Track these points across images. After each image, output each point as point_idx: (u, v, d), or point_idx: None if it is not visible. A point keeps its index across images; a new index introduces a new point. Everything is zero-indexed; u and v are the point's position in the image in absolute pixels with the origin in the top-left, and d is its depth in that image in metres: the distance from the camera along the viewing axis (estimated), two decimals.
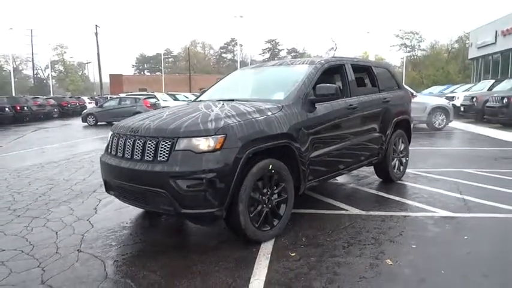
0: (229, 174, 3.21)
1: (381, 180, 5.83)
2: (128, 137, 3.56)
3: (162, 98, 21.58)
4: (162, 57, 61.25)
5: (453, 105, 13.92)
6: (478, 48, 26.23)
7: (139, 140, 3.45)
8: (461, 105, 14.85)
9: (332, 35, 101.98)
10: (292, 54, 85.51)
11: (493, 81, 16.51)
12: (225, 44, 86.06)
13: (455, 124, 14.06)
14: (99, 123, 19.81)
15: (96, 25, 42.76)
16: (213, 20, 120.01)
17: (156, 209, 3.45)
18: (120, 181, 3.58)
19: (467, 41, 39.58)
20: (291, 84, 4.22)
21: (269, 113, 3.64)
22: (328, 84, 4.10)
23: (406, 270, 3.02)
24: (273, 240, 3.60)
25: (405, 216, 4.25)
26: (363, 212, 4.36)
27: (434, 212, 4.34)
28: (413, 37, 67.40)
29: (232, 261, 3.20)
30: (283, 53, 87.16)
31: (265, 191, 3.53)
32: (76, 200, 5.21)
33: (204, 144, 3.18)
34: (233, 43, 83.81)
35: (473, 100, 14.08)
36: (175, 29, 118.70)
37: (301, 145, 3.82)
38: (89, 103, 34.69)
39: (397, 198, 4.89)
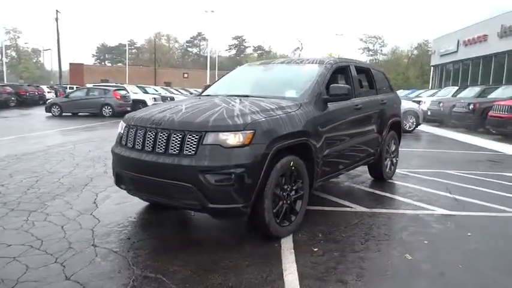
0: (257, 170, 3.23)
1: (372, 178, 6.04)
2: (148, 129, 3.48)
3: (132, 91, 21.00)
4: (127, 48, 59.39)
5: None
6: (441, 56, 27.61)
7: (162, 132, 3.38)
8: (428, 109, 15.57)
9: (298, 35, 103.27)
10: (258, 52, 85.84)
11: (456, 87, 17.45)
12: (191, 38, 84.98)
13: (423, 127, 14.74)
14: (64, 114, 19.01)
15: (56, 10, 40.76)
16: (179, 12, 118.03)
17: (178, 203, 3.41)
18: (139, 174, 3.49)
19: (428, 48, 41.53)
20: (303, 82, 4.29)
21: (290, 110, 3.69)
22: (341, 85, 4.21)
23: (425, 264, 3.17)
24: (291, 235, 3.66)
25: (407, 213, 4.45)
26: (367, 210, 4.52)
27: (432, 210, 4.57)
28: (376, 41, 69.83)
29: (259, 257, 3.22)
30: (249, 50, 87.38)
31: (285, 187, 3.58)
32: (70, 194, 5.01)
33: (233, 139, 3.18)
34: (199, 37, 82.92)
35: (440, 105, 14.81)
36: (138, 20, 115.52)
37: (317, 143, 3.90)
38: (48, 92, 33.08)
39: (395, 197, 5.10)
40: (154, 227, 3.96)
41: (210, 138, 3.20)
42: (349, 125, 4.62)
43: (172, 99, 23.74)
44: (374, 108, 5.27)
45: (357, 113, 4.78)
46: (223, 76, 5.29)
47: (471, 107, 12.57)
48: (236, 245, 3.48)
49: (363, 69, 5.42)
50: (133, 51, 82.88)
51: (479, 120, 12.30)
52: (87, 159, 7.43)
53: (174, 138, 3.31)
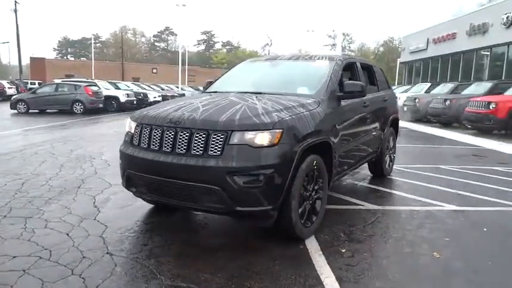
0: (286, 170, 3.11)
1: (371, 175, 6.04)
2: (166, 129, 3.27)
3: (104, 86, 20.23)
4: (93, 42, 57.34)
5: None
6: (410, 52, 28.36)
7: (182, 132, 3.19)
8: (404, 105, 15.93)
9: (268, 31, 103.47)
10: (227, 47, 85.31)
11: (429, 84, 17.95)
12: (158, 32, 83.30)
13: (400, 123, 15.03)
14: (30, 110, 18.08)
15: (15, 1, 38.61)
16: (145, 6, 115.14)
17: (200, 206, 3.23)
18: (156, 177, 3.28)
19: (393, 46, 42.48)
20: (317, 79, 4.19)
21: (311, 108, 3.58)
22: (355, 82, 4.15)
23: (455, 262, 3.16)
24: (313, 236, 3.56)
25: (419, 210, 4.45)
26: (379, 207, 4.49)
27: (441, 205, 4.60)
28: (344, 38, 70.90)
29: (288, 260, 3.11)
30: (218, 46, 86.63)
31: (308, 187, 3.47)
32: (64, 197, 4.70)
33: (261, 138, 3.03)
34: (167, 32, 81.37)
35: (416, 101, 15.17)
36: (102, 13, 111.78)
37: (335, 141, 3.82)
38: (9, 88, 31.41)
39: (400, 193, 5.11)
40: (168, 231, 3.75)
41: (236, 138, 3.03)
42: (359, 122, 4.57)
43: (145, 95, 23.14)
44: (378, 105, 5.26)
45: (365, 110, 4.74)
46: (226, 72, 5.10)
47: (447, 103, 12.94)
48: (261, 248, 3.34)
49: (366, 66, 5.39)
50: (98, 45, 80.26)
51: (455, 115, 12.68)
52: (71, 160, 7.04)
53: (197, 138, 3.12)
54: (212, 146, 3.07)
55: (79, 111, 17.97)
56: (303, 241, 3.44)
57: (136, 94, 21.89)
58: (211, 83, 5.00)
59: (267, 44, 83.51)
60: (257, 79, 4.65)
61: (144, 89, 25.93)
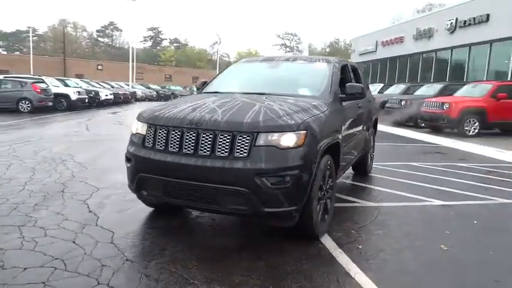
0: (310, 170, 3.17)
1: (353, 173, 6.27)
2: (186, 130, 3.19)
3: (52, 83, 19.04)
4: (31, 35, 53.64)
5: None
6: (360, 54, 29.59)
7: (205, 133, 3.13)
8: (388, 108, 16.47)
9: (216, 29, 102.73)
10: (174, 44, 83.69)
11: (382, 85, 18.87)
12: (102, 27, 79.70)
13: None
14: None
15: None
16: None
17: (223, 208, 3.18)
18: (176, 179, 3.19)
19: (343, 47, 44.02)
20: (319, 81, 4.29)
21: (323, 109, 3.66)
22: (355, 84, 4.30)
23: (462, 253, 3.40)
24: (326, 234, 3.65)
25: (412, 205, 4.71)
26: (376, 204, 4.70)
27: (430, 201, 4.90)
28: (292, 38, 72.45)
29: (314, 259, 3.16)
30: (165, 43, 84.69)
31: (323, 186, 3.56)
32: (52, 203, 4.40)
33: (288, 140, 3.06)
34: (112, 27, 78.15)
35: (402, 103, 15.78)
36: (39, 4, 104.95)
37: (341, 142, 3.95)
38: None
39: (389, 190, 5.35)
40: (180, 234, 3.66)
41: (262, 139, 3.04)
42: (355, 122, 4.74)
43: (97, 93, 22.12)
44: (366, 106, 5.48)
45: (359, 111, 4.93)
46: (220, 73, 5.04)
47: (403, 103, 13.70)
48: (280, 248, 3.36)
49: (353, 68, 5.59)
50: (35, 39, 75.21)
51: (410, 115, 13.45)
52: (40, 162, 6.59)
53: (221, 140, 3.08)
54: (238, 147, 3.05)
55: (26, 110, 16.77)
56: (318, 240, 3.52)
57: (88, 92, 20.85)
58: (205, 83, 4.93)
59: (216, 42, 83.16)
60: (258, 80, 4.66)
61: (94, 86, 24.77)
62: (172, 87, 43.31)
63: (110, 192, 4.91)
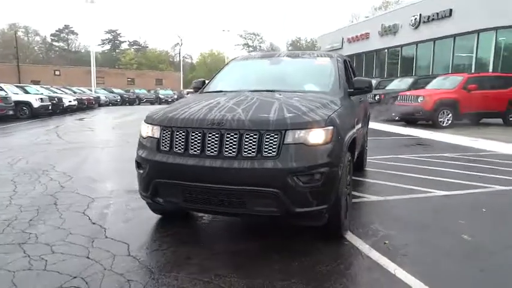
0: (338, 167, 3.09)
1: None
2: (208, 131, 3.02)
3: (12, 91, 17.98)
4: None
5: None
6: (327, 51, 30.06)
7: (229, 133, 2.97)
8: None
9: (177, 31, 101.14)
10: (134, 47, 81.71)
11: None
12: (56, 31, 76.40)
13: None
14: None
15: None
16: (38, 2, 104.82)
17: (251, 211, 3.03)
18: (200, 183, 3.01)
19: (299, 45, 44.44)
20: (327, 76, 4.23)
21: (340, 105, 3.59)
22: (363, 78, 4.26)
23: (485, 241, 3.43)
24: (349, 231, 3.59)
25: (417, 197, 4.75)
26: (382, 198, 4.70)
27: (433, 191, 4.96)
28: (255, 38, 72.60)
29: (347, 257, 3.10)
30: (124, 45, 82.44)
31: (347, 183, 3.49)
32: (48, 217, 4.09)
33: (316, 136, 2.97)
34: (67, 31, 75.13)
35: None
36: None
37: (356, 137, 3.90)
38: None
39: (390, 183, 5.37)
40: (198, 241, 3.49)
41: (291, 137, 2.92)
42: (360, 118, 4.71)
43: (60, 100, 21.14)
44: (364, 101, 5.48)
45: (361, 105, 4.91)
46: (219, 71, 4.86)
47: (377, 97, 13.99)
48: (308, 248, 3.26)
49: (350, 63, 5.57)
50: None
51: (384, 108, 13.75)
52: (19, 174, 6.14)
53: (248, 139, 2.94)
54: (267, 146, 2.92)
55: None
56: (343, 237, 3.46)
57: (51, 98, 19.87)
58: (204, 82, 4.75)
59: (178, 43, 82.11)
60: (263, 77, 4.52)
61: (56, 92, 23.67)
62: (137, 91, 42.14)
63: (107, 202, 4.63)
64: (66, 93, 25.68)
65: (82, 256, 3.14)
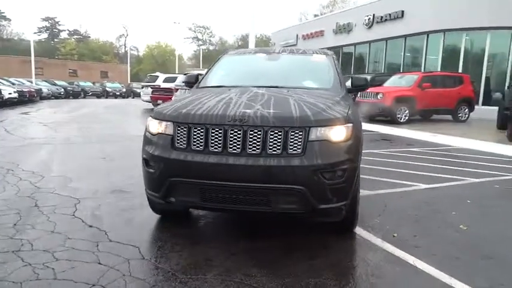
0: (357, 164, 3.15)
1: None
2: (230, 128, 2.94)
3: None
4: None
5: None
6: (282, 47, 30.33)
7: (253, 130, 2.91)
8: None
9: (122, 21, 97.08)
10: (75, 36, 77.32)
11: None
12: None
13: None
14: None
15: None
16: None
17: (274, 209, 2.99)
18: (221, 182, 2.92)
19: (263, 41, 44.38)
20: (325, 73, 4.28)
21: (348, 102, 3.65)
22: (360, 76, 4.36)
23: (482, 231, 3.66)
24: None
25: (405, 191, 4.96)
26: (373, 192, 4.85)
27: (417, 185, 5.21)
28: (205, 31, 71.62)
29: (367, 252, 3.17)
30: (64, 34, 77.70)
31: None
32: (34, 220, 3.76)
33: (339, 133, 2.99)
34: None
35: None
36: None
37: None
38: None
39: (374, 178, 5.54)
40: (214, 240, 3.38)
41: (315, 134, 2.92)
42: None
43: None
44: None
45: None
46: (213, 66, 4.72)
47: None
48: (325, 244, 3.31)
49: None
50: None
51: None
52: None
53: (273, 136, 2.89)
54: (292, 144, 2.89)
55: None
56: (353, 232, 3.53)
57: None
58: (197, 77, 4.60)
59: (123, 34, 79.00)
60: (263, 73, 4.45)
61: None
62: (82, 83, 39.95)
63: (96, 203, 4.36)
64: (3, 84, 23.72)
65: (92, 262, 2.93)
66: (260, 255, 3.07)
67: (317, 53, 4.71)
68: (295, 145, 2.89)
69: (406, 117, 12.63)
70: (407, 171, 5.98)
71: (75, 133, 10.36)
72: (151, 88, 18.60)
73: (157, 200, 3.29)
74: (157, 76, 20.69)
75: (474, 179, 5.60)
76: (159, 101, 16.99)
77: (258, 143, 2.90)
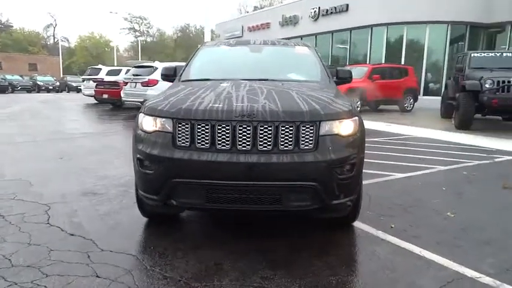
0: (363, 157, 3.13)
1: None
2: (237, 124, 2.76)
3: None
4: None
5: None
6: (226, 39, 29.92)
7: (263, 126, 2.76)
8: None
9: (50, 9, 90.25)
10: None
11: None
12: None
13: None
14: None
15: None
16: None
17: (285, 207, 2.86)
18: (231, 182, 2.74)
19: (189, 33, 43.13)
20: (312, 66, 4.23)
21: (343, 95, 3.62)
22: (345, 68, 4.36)
23: (466, 218, 3.82)
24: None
25: (384, 181, 5.09)
26: None
27: (391, 174, 5.36)
28: (142, 22, 68.91)
29: (374, 245, 3.16)
30: None
31: None
32: (2, 232, 3.36)
33: (348, 127, 2.94)
34: None
35: None
36: None
37: None
38: None
39: None
40: (215, 242, 3.18)
41: (325, 129, 2.85)
42: None
43: None
44: None
45: None
46: (192, 58, 4.43)
47: None
48: (330, 240, 3.27)
49: None
50: None
51: None
52: None
53: (284, 132, 2.77)
54: (303, 139, 2.79)
55: None
56: (353, 226, 3.53)
57: None
58: (175, 70, 4.32)
59: (51, 24, 73.74)
60: (249, 65, 4.27)
61: None
62: (9, 77, 36.62)
63: (69, 208, 3.97)
64: None
65: (89, 275, 2.64)
66: (269, 256, 2.95)
67: (298, 45, 4.63)
68: (307, 140, 2.80)
69: (358, 108, 13.05)
70: (378, 161, 6.14)
71: (16, 131, 9.45)
72: (94, 82, 17.50)
73: (155, 203, 3.03)
74: (100, 69, 19.51)
75: (442, 166, 5.89)
76: (105, 96, 16.09)
77: (269, 139, 2.76)
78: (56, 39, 71.19)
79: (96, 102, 18.74)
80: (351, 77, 4.32)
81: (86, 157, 6.51)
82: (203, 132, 2.81)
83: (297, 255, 2.98)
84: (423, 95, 16.81)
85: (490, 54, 10.74)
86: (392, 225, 3.56)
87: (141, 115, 3.09)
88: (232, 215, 3.71)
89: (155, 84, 12.60)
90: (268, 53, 4.50)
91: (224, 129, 2.78)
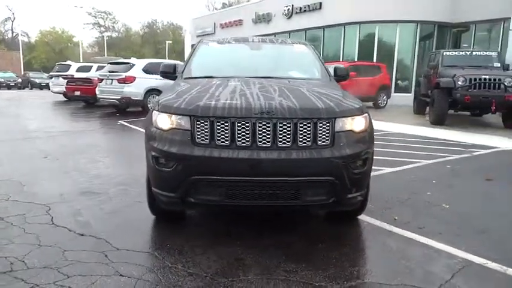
0: (373, 153, 3.25)
1: None
2: (257, 121, 2.81)
3: None
4: None
5: None
6: (197, 36, 29.47)
7: (282, 123, 2.83)
8: None
9: (9, 3, 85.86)
10: None
11: None
12: None
13: None
14: None
15: None
16: None
17: (302, 202, 2.94)
18: (252, 178, 2.79)
19: (157, 29, 42.03)
20: (311, 64, 4.34)
21: (349, 93, 3.73)
22: (341, 66, 4.48)
23: (460, 208, 4.05)
24: None
25: (375, 175, 5.19)
26: None
27: (381, 169, 5.54)
28: (107, 17, 66.97)
29: (385, 237, 3.29)
30: None
31: None
32: (5, 234, 3.26)
33: (360, 123, 3.06)
34: None
35: None
36: None
37: None
38: None
39: None
40: (231, 238, 3.21)
41: (340, 125, 2.95)
42: None
43: None
44: None
45: None
46: (192, 56, 4.40)
47: None
48: (342, 233, 3.39)
49: None
50: None
51: None
52: None
53: (302, 129, 2.85)
54: (321, 135, 2.88)
55: None
56: (358, 219, 3.66)
57: None
58: (175, 67, 4.29)
59: (9, 17, 70.28)
60: (251, 63, 4.29)
61: None
62: None
63: (71, 208, 3.89)
64: None
65: (113, 275, 2.62)
66: (287, 250, 3.02)
67: (296, 43, 4.72)
68: (324, 137, 2.89)
69: None
70: None
71: None
72: (64, 78, 16.89)
73: (171, 200, 3.03)
74: (69, 65, 18.85)
75: (427, 160, 6.16)
76: (77, 93, 15.60)
77: (288, 136, 2.83)
78: (14, 34, 68.02)
79: (65, 99, 18.13)
80: (348, 75, 4.44)
81: (72, 156, 6.34)
82: (223, 129, 2.83)
83: (313, 247, 3.07)
84: (394, 92, 17.35)
85: (461, 52, 11.26)
86: (396, 218, 3.71)
87: (155, 112, 3.08)
88: (241, 211, 3.74)
89: (132, 81, 12.37)
90: (267, 50, 4.56)
91: (244, 126, 2.82)
